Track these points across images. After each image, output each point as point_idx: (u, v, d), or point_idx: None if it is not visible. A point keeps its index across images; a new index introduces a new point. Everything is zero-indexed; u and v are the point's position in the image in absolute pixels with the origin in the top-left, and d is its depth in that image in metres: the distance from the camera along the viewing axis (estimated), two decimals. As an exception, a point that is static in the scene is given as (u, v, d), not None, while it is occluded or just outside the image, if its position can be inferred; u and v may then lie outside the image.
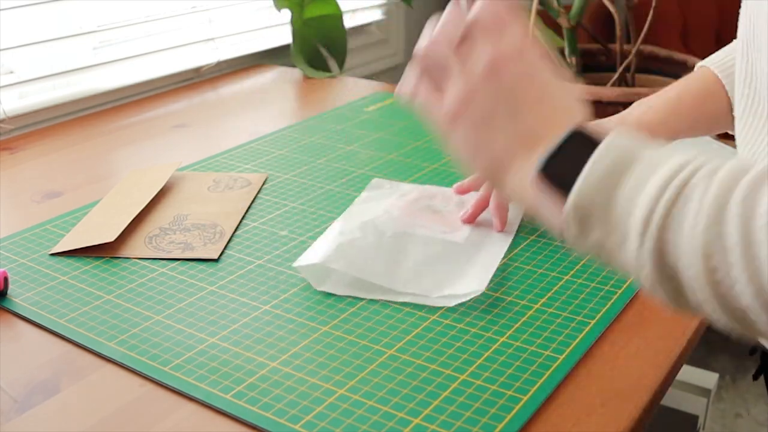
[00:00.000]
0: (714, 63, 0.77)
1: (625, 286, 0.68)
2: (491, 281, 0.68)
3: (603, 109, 1.25)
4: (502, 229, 0.77)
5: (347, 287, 0.67)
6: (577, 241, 0.44)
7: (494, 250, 0.73)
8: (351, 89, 1.27)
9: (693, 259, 0.38)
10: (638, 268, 0.41)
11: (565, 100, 0.49)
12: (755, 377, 0.73)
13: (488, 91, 0.48)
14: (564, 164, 0.44)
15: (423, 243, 0.72)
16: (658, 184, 0.40)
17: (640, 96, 1.22)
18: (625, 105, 1.27)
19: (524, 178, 0.46)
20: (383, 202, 0.80)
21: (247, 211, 0.83)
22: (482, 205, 0.78)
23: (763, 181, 0.37)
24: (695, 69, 0.81)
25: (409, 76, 0.52)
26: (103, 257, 0.74)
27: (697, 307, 0.41)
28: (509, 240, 0.75)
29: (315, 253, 0.69)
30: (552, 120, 0.47)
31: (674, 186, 0.39)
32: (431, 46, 0.50)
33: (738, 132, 0.65)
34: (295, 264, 0.69)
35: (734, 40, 0.76)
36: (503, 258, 0.72)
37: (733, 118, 0.70)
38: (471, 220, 0.77)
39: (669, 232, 0.39)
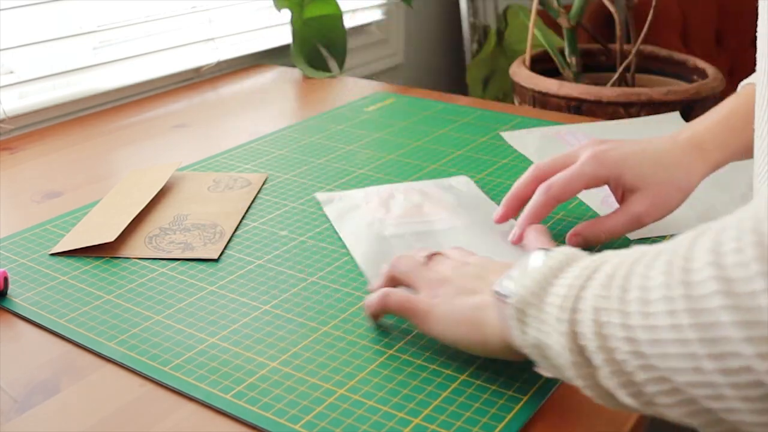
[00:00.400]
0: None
1: (625, 286, 0.68)
2: (491, 281, 0.69)
3: (603, 109, 1.25)
4: (517, 243, 0.73)
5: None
6: (523, 341, 0.50)
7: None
8: (351, 89, 1.27)
9: (589, 321, 0.43)
10: (561, 353, 0.46)
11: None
12: None
13: (460, 272, 0.58)
14: (511, 277, 0.51)
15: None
16: (576, 273, 0.46)
17: (640, 96, 1.23)
18: (625, 105, 1.28)
19: (496, 325, 0.53)
20: (363, 217, 0.80)
21: (247, 211, 0.83)
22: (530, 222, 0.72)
23: (640, 257, 0.43)
24: (738, 89, 0.77)
25: (377, 287, 0.63)
26: (103, 257, 0.74)
27: (609, 385, 0.43)
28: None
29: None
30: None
31: (586, 272, 0.45)
32: (399, 259, 0.63)
33: (757, 143, 0.63)
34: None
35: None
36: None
37: None
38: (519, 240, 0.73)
39: (578, 309, 0.44)
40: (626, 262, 0.43)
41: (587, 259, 0.47)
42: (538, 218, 0.71)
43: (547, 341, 0.47)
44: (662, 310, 0.38)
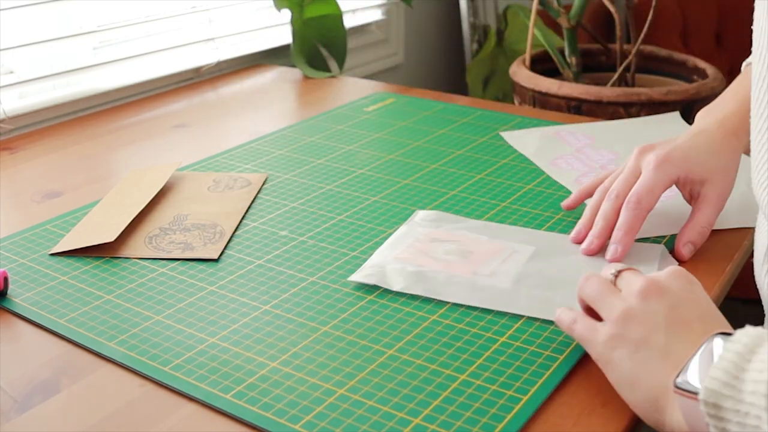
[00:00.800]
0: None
1: (625, 286, 0.68)
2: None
3: (603, 109, 1.25)
4: (618, 260, 0.71)
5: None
6: None
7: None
8: (351, 89, 1.27)
9: None
10: None
11: (719, 322, 0.52)
12: None
13: (646, 308, 0.53)
14: (694, 375, 0.47)
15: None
16: None
17: (640, 96, 1.23)
18: (625, 105, 1.28)
19: (680, 416, 0.48)
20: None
21: (247, 211, 0.83)
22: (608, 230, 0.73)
23: None
24: (742, 68, 0.81)
25: (565, 309, 0.59)
26: (103, 257, 0.74)
27: None
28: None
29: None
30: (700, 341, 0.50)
31: None
32: (587, 280, 0.58)
33: (753, 137, 0.64)
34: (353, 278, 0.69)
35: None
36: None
37: None
38: (597, 250, 0.72)
39: None
40: None
41: None
42: (635, 233, 0.72)
43: None
44: None
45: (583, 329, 0.56)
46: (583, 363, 0.58)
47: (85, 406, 0.55)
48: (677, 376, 0.48)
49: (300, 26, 1.36)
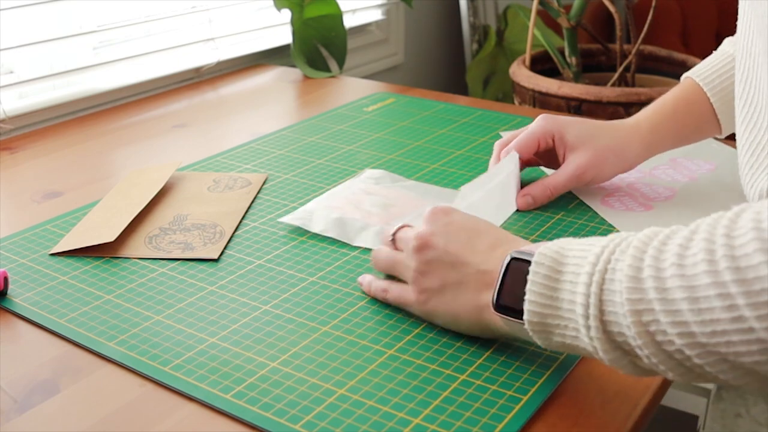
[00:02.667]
0: (697, 75, 0.84)
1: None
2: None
3: (603, 109, 1.25)
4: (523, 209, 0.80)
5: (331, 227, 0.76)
6: (549, 347, 0.52)
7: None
8: (351, 89, 1.27)
9: (629, 323, 0.45)
10: (596, 350, 0.48)
11: (495, 231, 0.59)
12: None
13: (426, 259, 0.59)
14: (509, 296, 0.52)
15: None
16: (585, 270, 0.47)
17: (640, 96, 1.23)
18: (625, 105, 1.28)
19: (506, 328, 0.55)
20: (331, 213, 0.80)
21: (247, 211, 0.83)
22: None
23: (666, 242, 0.44)
24: (681, 80, 0.87)
25: (373, 278, 0.66)
26: (103, 257, 0.74)
27: (654, 368, 0.46)
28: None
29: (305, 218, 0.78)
30: (493, 255, 0.56)
31: (598, 271, 0.46)
32: (376, 253, 0.66)
33: (739, 139, 0.65)
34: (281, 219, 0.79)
35: (719, 49, 0.81)
36: None
37: (717, 126, 0.82)
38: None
39: (606, 310, 0.46)
40: (647, 253, 0.44)
41: (584, 251, 0.49)
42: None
43: (576, 343, 0.49)
44: (714, 295, 0.40)
45: (395, 296, 0.63)
46: (583, 363, 0.58)
47: (85, 406, 0.55)
48: (494, 303, 0.54)
49: (300, 26, 1.36)
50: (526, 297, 0.51)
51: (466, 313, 0.58)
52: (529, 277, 0.50)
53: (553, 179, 0.80)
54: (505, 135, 0.84)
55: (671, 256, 0.43)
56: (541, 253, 0.50)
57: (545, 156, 0.83)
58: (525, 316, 0.51)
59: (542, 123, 0.81)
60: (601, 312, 0.46)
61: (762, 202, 0.42)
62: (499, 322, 0.55)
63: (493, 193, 0.77)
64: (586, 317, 0.47)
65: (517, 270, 0.52)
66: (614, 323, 0.46)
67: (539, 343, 0.52)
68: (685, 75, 0.86)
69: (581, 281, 0.47)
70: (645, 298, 0.44)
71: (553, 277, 0.49)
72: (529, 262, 0.51)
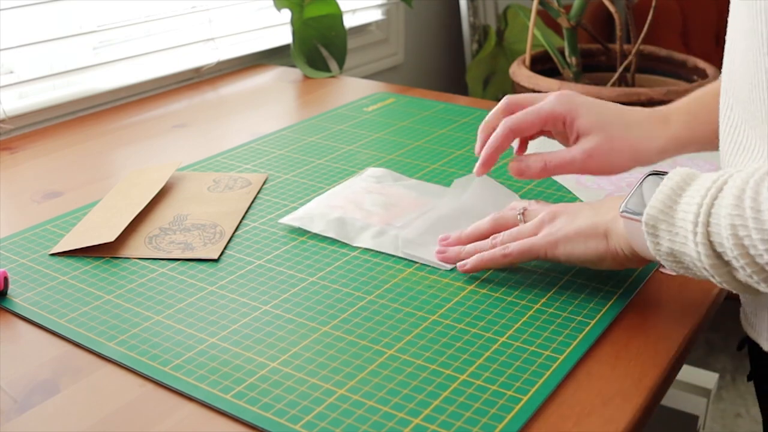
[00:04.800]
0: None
1: (625, 286, 0.68)
2: (492, 281, 0.69)
3: (603, 109, 1.25)
4: (481, 174, 0.73)
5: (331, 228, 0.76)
6: (657, 252, 0.57)
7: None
8: (351, 89, 1.27)
9: (727, 235, 0.51)
10: (699, 255, 0.54)
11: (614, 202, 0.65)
12: (749, 378, 0.73)
13: (562, 212, 0.67)
14: (636, 204, 0.59)
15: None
16: (701, 192, 0.54)
17: (640, 96, 1.22)
18: (625, 105, 1.27)
19: (623, 235, 0.62)
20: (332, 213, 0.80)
21: (247, 211, 0.83)
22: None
23: (763, 178, 0.51)
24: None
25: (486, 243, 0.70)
26: (103, 257, 0.74)
27: (748, 280, 0.53)
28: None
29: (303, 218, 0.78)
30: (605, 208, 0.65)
31: (711, 192, 0.53)
32: (497, 225, 0.71)
33: (722, 150, 0.64)
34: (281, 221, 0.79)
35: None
36: None
37: None
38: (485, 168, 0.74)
39: (711, 223, 0.53)
40: (750, 182, 0.51)
41: (706, 179, 0.55)
42: (497, 150, 0.72)
43: (683, 249, 0.55)
44: None
45: (519, 248, 0.67)
46: (583, 363, 0.58)
47: (85, 406, 0.55)
48: (621, 206, 0.60)
49: (300, 26, 1.36)
50: (650, 203, 0.56)
51: (593, 227, 0.64)
52: (661, 185, 0.56)
53: (554, 156, 0.72)
54: (511, 100, 0.74)
55: (765, 190, 0.51)
56: (676, 171, 0.57)
57: (558, 134, 0.76)
58: (643, 218, 0.57)
59: (554, 104, 0.72)
60: (708, 223, 0.53)
61: None
62: (618, 231, 0.62)
63: (487, 181, 0.78)
64: (695, 224, 0.53)
65: (651, 182, 0.59)
66: (716, 234, 0.52)
67: (649, 246, 0.57)
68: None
69: (697, 195, 0.54)
70: (743, 215, 0.51)
71: (677, 192, 0.56)
72: (662, 177, 0.58)
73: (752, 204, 0.51)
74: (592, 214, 0.65)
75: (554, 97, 0.72)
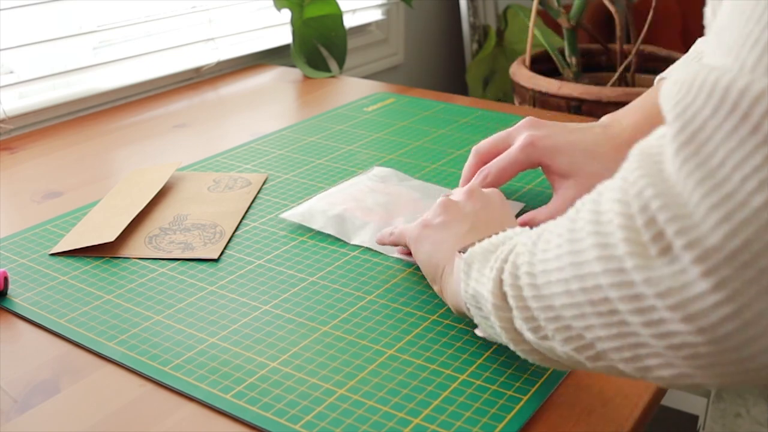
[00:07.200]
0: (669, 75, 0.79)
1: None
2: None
3: (603, 109, 1.25)
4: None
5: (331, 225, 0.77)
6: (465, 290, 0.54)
7: None
8: (351, 89, 1.27)
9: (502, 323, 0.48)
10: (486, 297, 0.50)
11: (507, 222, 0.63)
12: None
13: (463, 204, 0.64)
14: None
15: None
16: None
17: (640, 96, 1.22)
18: (625, 105, 1.27)
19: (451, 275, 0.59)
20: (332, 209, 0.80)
21: (247, 211, 0.83)
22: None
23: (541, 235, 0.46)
24: (655, 82, 0.82)
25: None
26: (103, 257, 0.74)
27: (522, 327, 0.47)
28: None
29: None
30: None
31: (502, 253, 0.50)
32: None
33: None
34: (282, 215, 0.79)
35: (692, 48, 0.78)
36: None
37: None
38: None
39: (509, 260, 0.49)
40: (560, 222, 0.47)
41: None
42: None
43: (480, 289, 0.51)
44: (553, 253, 0.42)
45: (403, 228, 0.67)
46: (583, 363, 0.58)
47: (85, 406, 0.55)
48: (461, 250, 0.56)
49: (300, 26, 1.36)
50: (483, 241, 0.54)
51: (438, 255, 0.62)
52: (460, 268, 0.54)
53: (547, 211, 0.74)
54: (482, 146, 0.78)
55: (543, 241, 0.46)
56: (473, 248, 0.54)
57: None
58: (465, 256, 0.54)
59: (528, 153, 0.74)
60: (506, 260, 0.49)
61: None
62: (451, 270, 0.60)
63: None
64: (496, 260, 0.50)
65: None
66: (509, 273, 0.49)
67: (462, 287, 0.54)
68: (659, 77, 0.81)
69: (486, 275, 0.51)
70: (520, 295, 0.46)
71: (510, 234, 0.53)
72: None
73: (539, 237, 0.45)
74: (456, 240, 0.62)
75: (525, 144, 0.74)
